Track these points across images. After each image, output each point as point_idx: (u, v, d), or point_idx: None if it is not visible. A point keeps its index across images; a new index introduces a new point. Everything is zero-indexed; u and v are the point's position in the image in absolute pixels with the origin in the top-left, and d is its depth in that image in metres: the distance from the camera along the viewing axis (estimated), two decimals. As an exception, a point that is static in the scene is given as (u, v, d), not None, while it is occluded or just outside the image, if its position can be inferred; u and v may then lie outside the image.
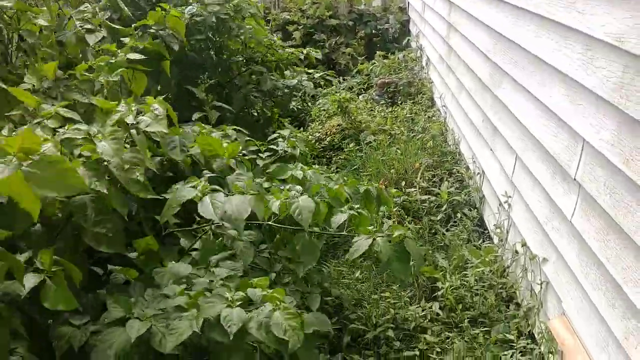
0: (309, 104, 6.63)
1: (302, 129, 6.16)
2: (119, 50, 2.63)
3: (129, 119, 2.27)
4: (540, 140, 2.64)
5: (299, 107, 6.58)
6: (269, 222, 2.67)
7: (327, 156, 5.47)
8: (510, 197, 3.16)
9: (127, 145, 2.20)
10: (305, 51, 4.92)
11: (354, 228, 2.77)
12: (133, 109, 2.29)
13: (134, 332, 1.76)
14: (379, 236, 2.60)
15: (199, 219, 2.72)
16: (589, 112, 2.13)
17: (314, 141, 5.66)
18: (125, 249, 1.97)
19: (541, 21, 2.65)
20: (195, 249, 2.49)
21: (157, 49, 3.09)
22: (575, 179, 2.25)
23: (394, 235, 2.61)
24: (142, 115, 2.33)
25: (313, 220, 2.57)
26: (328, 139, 5.69)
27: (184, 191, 2.30)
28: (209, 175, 2.49)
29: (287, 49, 4.55)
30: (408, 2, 8.09)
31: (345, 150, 5.33)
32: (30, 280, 1.64)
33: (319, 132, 5.81)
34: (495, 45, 3.44)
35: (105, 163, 1.99)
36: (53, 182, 1.56)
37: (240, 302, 1.98)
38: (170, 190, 2.37)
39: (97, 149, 2.00)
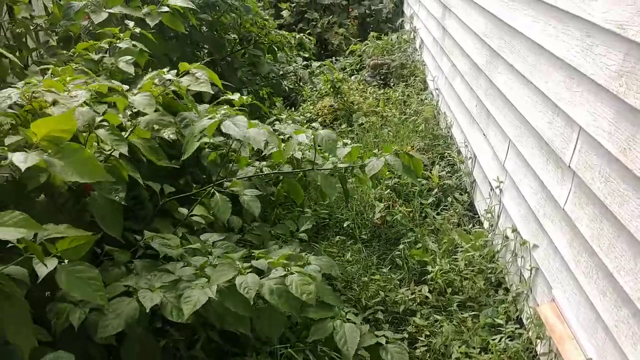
0: (301, 83, 6.57)
1: (293, 109, 6.13)
2: (121, 35, 2.53)
3: (168, 76, 2.20)
4: (535, 127, 2.63)
5: (291, 86, 6.53)
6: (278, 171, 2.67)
7: (319, 137, 5.44)
8: (502, 182, 3.15)
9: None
10: (298, 36, 4.84)
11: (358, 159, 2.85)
12: (166, 70, 2.25)
13: (148, 301, 1.73)
14: (386, 156, 2.73)
15: (195, 184, 2.70)
16: (586, 99, 2.11)
17: (305, 121, 5.62)
18: (121, 234, 1.92)
19: (539, 5, 2.62)
20: (195, 215, 2.47)
21: (171, 24, 2.99)
22: (569, 166, 2.24)
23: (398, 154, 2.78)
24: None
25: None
26: (320, 119, 5.65)
27: (204, 121, 2.27)
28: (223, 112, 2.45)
29: (280, 32, 4.46)
30: (402, -17, 8.00)
31: (337, 131, 5.30)
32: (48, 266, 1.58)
33: (310, 113, 5.76)
34: (491, 29, 3.41)
35: (125, 134, 1.93)
36: (75, 170, 1.54)
37: (249, 270, 1.97)
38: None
39: (130, 100, 1.95)
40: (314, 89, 6.24)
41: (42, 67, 2.21)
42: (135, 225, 2.55)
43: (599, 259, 1.98)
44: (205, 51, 3.83)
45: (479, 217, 3.64)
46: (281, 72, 4.48)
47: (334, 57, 7.38)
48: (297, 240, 2.77)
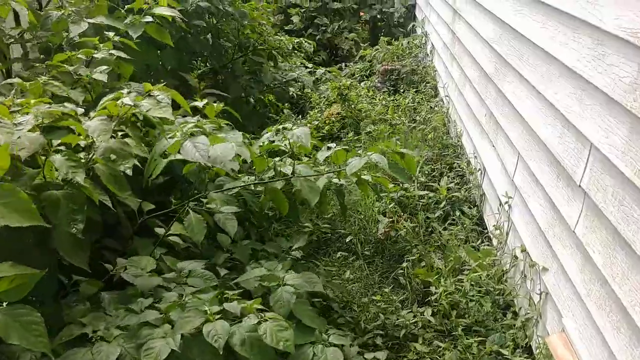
0: (310, 90, 6.43)
1: (300, 116, 5.99)
2: (102, 45, 2.39)
3: (126, 100, 2.04)
4: (544, 141, 2.44)
5: (299, 93, 6.39)
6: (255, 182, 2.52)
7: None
8: (511, 197, 2.97)
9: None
10: (296, 41, 4.70)
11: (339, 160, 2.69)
12: (126, 91, 2.09)
13: (104, 357, 1.58)
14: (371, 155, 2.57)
15: (175, 201, 2.56)
16: (597, 113, 1.93)
17: (312, 129, 5.47)
18: (88, 267, 1.78)
19: (548, 10, 2.43)
20: (172, 234, 2.33)
21: (157, 35, 2.86)
22: (580, 186, 2.06)
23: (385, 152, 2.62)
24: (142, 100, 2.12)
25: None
26: (327, 127, 5.50)
27: (165, 142, 2.13)
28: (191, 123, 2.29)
29: (277, 36, 4.32)
30: (415, -14, 7.82)
31: (344, 139, 5.15)
32: None
33: (318, 120, 5.61)
34: (500, 35, 3.22)
35: (82, 156, 1.81)
36: (6, 213, 1.40)
37: (219, 316, 1.81)
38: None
39: (84, 126, 1.81)
40: (322, 95, 6.09)
41: (4, 82, 2.08)
42: (116, 244, 2.43)
43: (612, 290, 1.79)
44: (201, 59, 3.70)
45: (488, 232, 3.45)
46: (284, 80, 4.33)
47: (344, 63, 7.23)
48: (290, 258, 2.61)
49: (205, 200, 2.35)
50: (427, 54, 6.37)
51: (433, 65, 6.01)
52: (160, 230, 2.26)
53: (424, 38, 6.71)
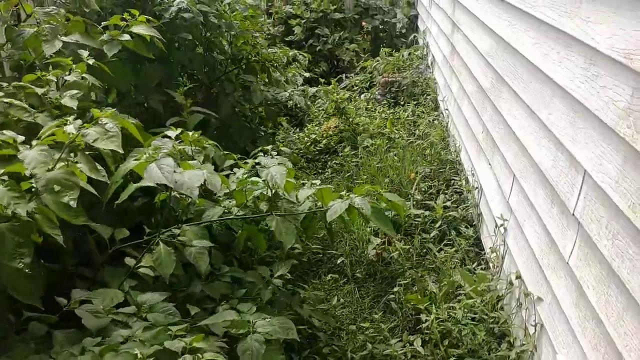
0: (308, 102, 6.32)
1: (298, 129, 5.87)
2: (75, 66, 2.28)
3: (69, 129, 1.93)
4: (539, 163, 2.31)
5: (298, 105, 6.28)
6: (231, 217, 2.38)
7: (322, 160, 5.18)
8: (506, 220, 2.83)
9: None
10: (291, 53, 4.59)
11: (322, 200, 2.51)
12: (71, 119, 1.96)
13: None
14: (355, 198, 2.36)
15: (149, 230, 2.45)
16: (591, 138, 1.79)
17: (309, 143, 5.36)
18: (40, 302, 1.66)
19: (541, 26, 2.30)
20: (143, 266, 2.21)
21: (137, 49, 2.75)
22: (574, 215, 1.92)
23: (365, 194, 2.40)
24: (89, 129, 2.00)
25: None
26: (324, 141, 5.39)
27: (128, 163, 2.01)
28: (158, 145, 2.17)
29: (271, 49, 4.20)
30: (417, -4, 7.71)
31: (341, 154, 5.03)
32: None
33: (315, 134, 5.51)
34: (495, 49, 3.10)
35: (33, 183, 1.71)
36: None
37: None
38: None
39: (21, 156, 1.70)
40: (321, 108, 5.99)
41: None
42: (89, 271, 2.32)
43: (606, 331, 1.65)
44: (187, 74, 3.59)
45: (484, 253, 3.31)
46: (276, 98, 4.22)
47: (344, 74, 7.12)
48: (271, 287, 2.48)
49: (178, 232, 2.24)
50: (429, 66, 6.25)
51: (434, 77, 5.88)
52: (131, 261, 2.15)
53: (425, 49, 6.59)
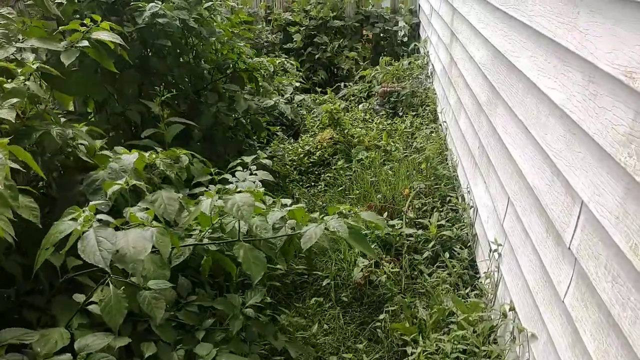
0: (302, 112, 6.13)
1: (293, 139, 5.69)
2: (19, 71, 2.09)
3: None
4: (534, 187, 2.11)
5: (293, 116, 6.09)
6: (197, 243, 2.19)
7: (316, 172, 4.98)
8: (500, 245, 2.63)
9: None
10: (278, 62, 4.40)
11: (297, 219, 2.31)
12: None
13: None
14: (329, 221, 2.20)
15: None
16: (589, 164, 1.59)
17: (302, 155, 5.18)
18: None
19: (538, 38, 2.11)
20: (93, 302, 2.01)
21: (97, 58, 2.58)
22: (570, 249, 1.72)
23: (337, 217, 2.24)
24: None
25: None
26: (318, 152, 5.20)
27: (62, 225, 1.81)
28: (98, 202, 1.97)
29: (257, 59, 4.02)
30: (419, 5, 7.53)
31: (334, 168, 4.83)
32: None
33: (309, 145, 5.31)
34: (492, 61, 2.90)
35: None
36: None
37: None
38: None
39: None
40: (316, 118, 5.81)
41: None
42: (40, 299, 2.14)
43: (604, 386, 1.45)
44: (165, 84, 3.41)
45: (479, 277, 3.10)
46: (261, 107, 4.03)
47: (343, 83, 6.93)
48: (241, 318, 2.28)
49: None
50: (428, 76, 6.06)
51: (433, 88, 5.69)
52: (80, 297, 1.95)
53: (425, 59, 6.40)
